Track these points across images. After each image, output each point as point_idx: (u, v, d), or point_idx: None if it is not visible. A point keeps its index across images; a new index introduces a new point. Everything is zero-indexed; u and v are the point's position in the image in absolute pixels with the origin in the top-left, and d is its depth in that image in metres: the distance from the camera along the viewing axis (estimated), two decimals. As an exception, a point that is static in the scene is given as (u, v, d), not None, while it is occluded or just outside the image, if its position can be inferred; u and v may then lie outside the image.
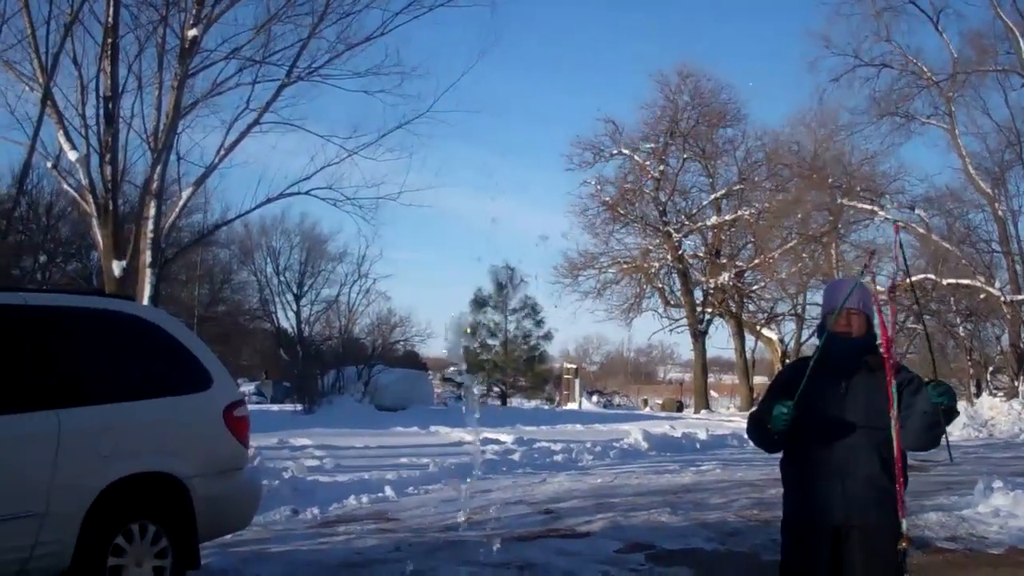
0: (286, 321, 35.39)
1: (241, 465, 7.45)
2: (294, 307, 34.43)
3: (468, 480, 14.71)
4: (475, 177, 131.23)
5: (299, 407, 30.01)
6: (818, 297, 45.78)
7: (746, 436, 4.29)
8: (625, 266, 44.81)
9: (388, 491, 13.10)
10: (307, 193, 20.95)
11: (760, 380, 57.52)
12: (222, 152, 19.61)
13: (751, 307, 46.15)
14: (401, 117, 23.39)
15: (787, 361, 44.61)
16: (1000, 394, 38.71)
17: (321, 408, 29.48)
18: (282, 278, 35.12)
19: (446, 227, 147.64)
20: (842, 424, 3.94)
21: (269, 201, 20.74)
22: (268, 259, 36.44)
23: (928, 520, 11.38)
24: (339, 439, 19.22)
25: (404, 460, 16.32)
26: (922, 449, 4.10)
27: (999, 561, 9.42)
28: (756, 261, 42.71)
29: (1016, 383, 38.62)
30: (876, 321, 4.12)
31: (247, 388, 44.13)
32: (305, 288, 35.18)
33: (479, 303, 54.37)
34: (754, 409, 4.27)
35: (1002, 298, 37.05)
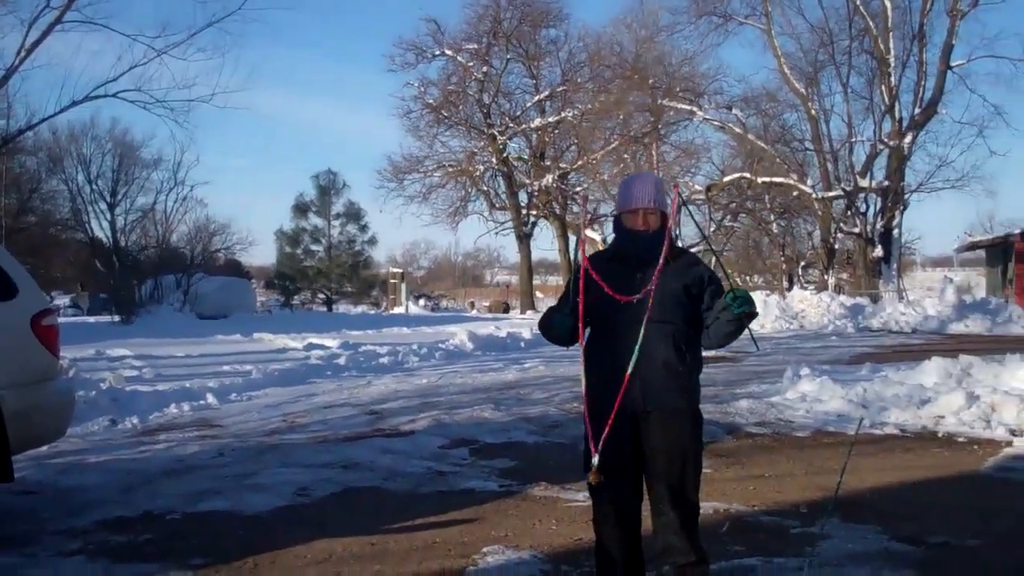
0: (100, 231, 33.99)
1: (53, 375, 7.14)
2: (108, 216, 33.01)
3: (292, 385, 14.59)
4: (293, 79, 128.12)
5: (116, 318, 29.07)
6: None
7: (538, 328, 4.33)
8: (450, 169, 44.67)
9: (210, 399, 12.88)
10: (115, 95, 20.06)
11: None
12: (22, 53, 18.50)
13: (575, 208, 46.81)
14: (212, 15, 22.45)
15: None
16: (811, 287, 40.64)
17: (140, 319, 28.67)
18: (94, 186, 33.56)
19: (265, 131, 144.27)
20: (639, 314, 3.97)
21: (75, 104, 19.78)
22: (79, 167, 34.72)
23: (739, 407, 11.90)
24: (159, 349, 18.77)
25: (227, 368, 16.06)
26: (721, 348, 4.25)
27: (804, 443, 9.93)
28: (579, 163, 43.19)
29: (826, 277, 40.60)
30: (671, 212, 4.16)
31: (62, 301, 42.51)
32: (119, 196, 33.70)
33: (301, 209, 53.57)
34: (551, 306, 4.30)
35: (814, 195, 38.63)
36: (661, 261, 4.02)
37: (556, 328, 4.14)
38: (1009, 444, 9.64)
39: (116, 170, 34.87)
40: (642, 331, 3.96)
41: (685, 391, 4.08)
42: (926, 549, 6.01)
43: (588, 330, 4.16)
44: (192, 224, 36.81)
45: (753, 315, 4.02)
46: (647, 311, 3.97)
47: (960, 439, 10.02)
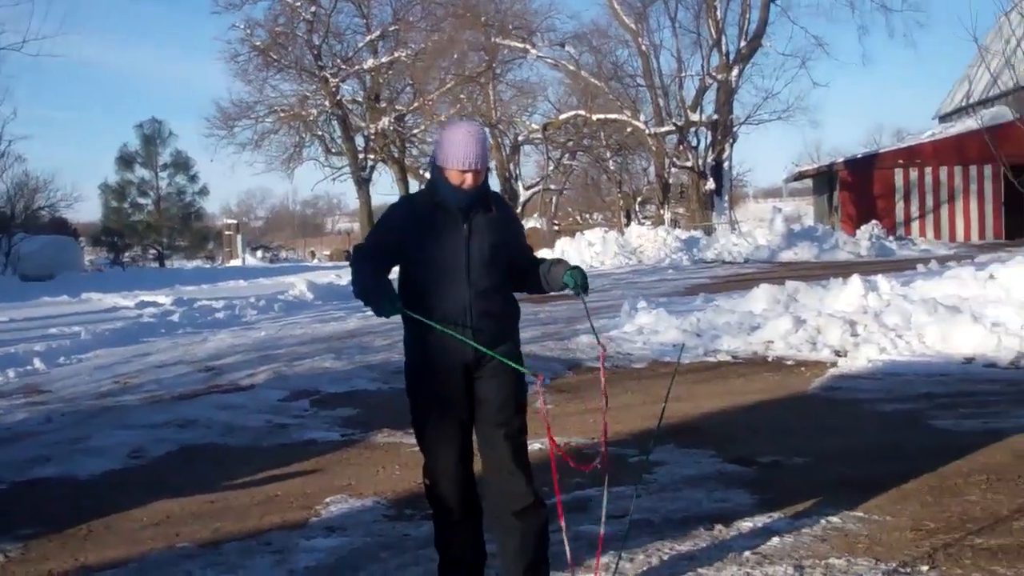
0: (-89, 191, 32.04)
1: None
2: (-81, 175, 31.19)
3: (124, 345, 14.13)
4: (112, 23, 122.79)
5: (-68, 284, 27.56)
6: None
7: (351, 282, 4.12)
8: (282, 114, 43.54)
9: (37, 363, 12.35)
10: (-87, 45, 18.72)
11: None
12: None
13: (414, 151, 46.41)
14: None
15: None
16: (648, 223, 41.48)
17: (-42, 283, 27.28)
18: (-100, 145, 31.58)
19: (85, 80, 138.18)
20: (466, 266, 3.94)
21: None
22: None
23: (579, 343, 12.10)
24: (-21, 314, 17.89)
25: (54, 331, 15.44)
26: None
27: (641, 374, 10.19)
28: (415, 104, 42.73)
29: (662, 211, 41.47)
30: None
31: None
32: (-70, 154, 31.84)
33: (126, 161, 51.63)
34: (359, 253, 4.11)
35: (647, 131, 39.25)
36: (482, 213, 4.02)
37: (388, 312, 3.92)
38: (834, 365, 10.08)
39: (-78, 127, 32.92)
40: (472, 280, 3.94)
41: (511, 334, 4.10)
42: (757, 469, 6.25)
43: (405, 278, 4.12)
44: (11, 181, 35.20)
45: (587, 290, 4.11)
46: (476, 257, 3.95)
47: (788, 362, 10.44)
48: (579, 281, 4.02)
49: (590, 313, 4.38)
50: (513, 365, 3.99)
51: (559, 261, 4.22)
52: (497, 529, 4.08)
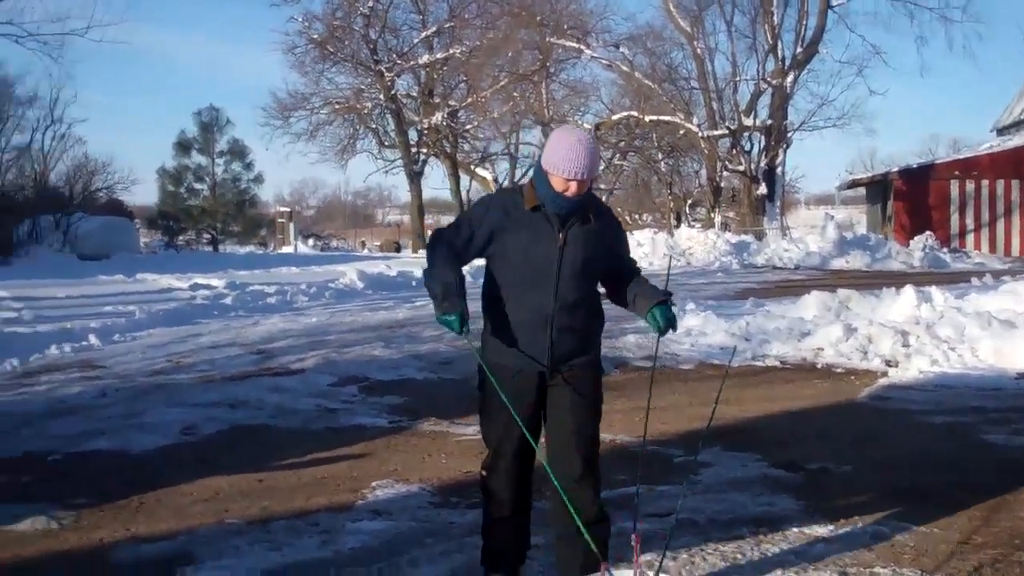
0: (-26, 171, 32.60)
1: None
2: (-18, 156, 31.68)
3: (177, 325, 14.32)
4: (172, 12, 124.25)
5: (-8, 260, 28.01)
6: (530, 137, 46.89)
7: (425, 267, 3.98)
8: (337, 107, 43.83)
9: (93, 339, 12.56)
10: (-17, 28, 19.05)
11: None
12: None
13: (466, 147, 46.51)
14: (86, -57, 21.47)
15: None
16: (698, 225, 41.30)
17: (17, 259, 27.70)
18: (-34, 126, 32.11)
19: (145, 66, 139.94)
20: (556, 277, 3.86)
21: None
22: (-51, 106, 33.16)
23: (627, 342, 12.08)
24: (38, 290, 18.18)
25: (109, 308, 15.65)
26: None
27: (688, 376, 10.16)
28: (469, 100, 42.81)
29: (712, 215, 41.21)
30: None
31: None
32: (-7, 135, 32.32)
33: (184, 147, 52.17)
34: (439, 239, 3.99)
35: (700, 134, 39.04)
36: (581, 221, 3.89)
37: (449, 325, 3.81)
38: (884, 374, 10.00)
39: (-11, 108, 33.42)
40: (561, 291, 3.87)
41: (592, 346, 4.05)
42: (804, 475, 6.22)
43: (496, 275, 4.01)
44: (71, 163, 35.64)
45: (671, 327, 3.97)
46: (568, 269, 3.87)
47: (838, 370, 10.36)
48: (662, 325, 3.90)
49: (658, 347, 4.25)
50: None
51: (650, 288, 4.04)
52: (559, 536, 4.05)
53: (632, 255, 4.22)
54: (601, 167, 45.88)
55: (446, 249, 3.94)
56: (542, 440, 4.05)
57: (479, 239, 3.94)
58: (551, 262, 3.85)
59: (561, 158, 3.78)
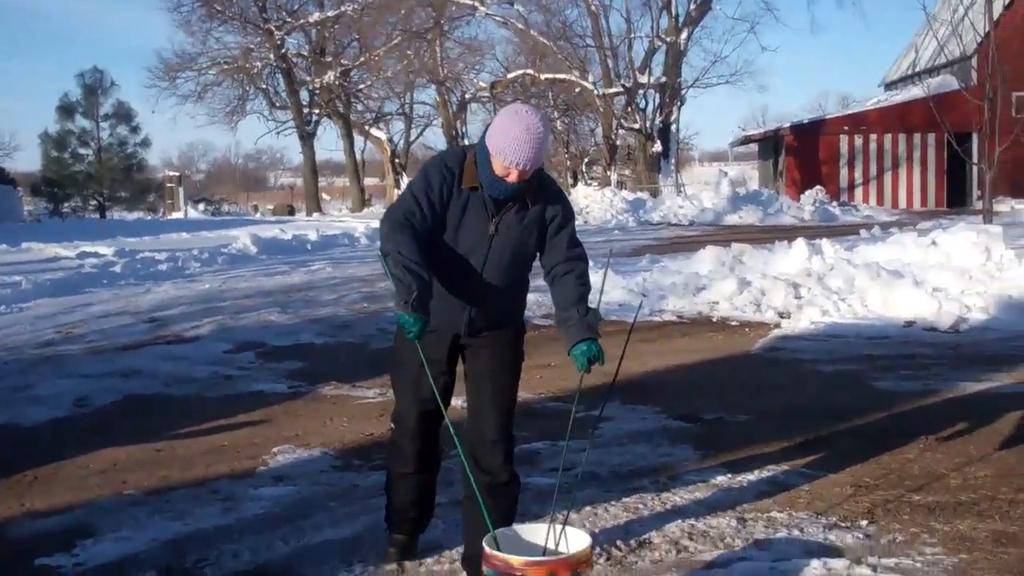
0: None
1: None
2: None
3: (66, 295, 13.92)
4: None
5: None
6: (424, 96, 46.51)
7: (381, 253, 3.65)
8: (226, 67, 42.88)
9: (-25, 313, 12.15)
10: None
11: (371, 181, 58.11)
12: None
13: (359, 107, 46.00)
14: None
15: (396, 161, 45.26)
16: (594, 184, 41.55)
17: None
18: None
19: (24, 26, 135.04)
20: (482, 263, 3.76)
21: None
22: None
23: (528, 301, 12.09)
24: (-86, 262, 17.51)
25: (-8, 279, 15.13)
26: None
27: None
28: (362, 60, 42.29)
29: (609, 173, 41.50)
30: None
31: None
32: None
33: (67, 110, 50.49)
34: (396, 224, 3.64)
35: (595, 92, 39.18)
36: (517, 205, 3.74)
37: (407, 325, 3.49)
38: (777, 326, 10.23)
39: None
40: (487, 272, 3.77)
41: (515, 315, 4.04)
42: (701, 425, 6.35)
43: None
44: (-54, 129, 34.40)
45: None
46: (498, 252, 3.76)
47: (733, 323, 10.57)
48: (583, 365, 3.66)
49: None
50: None
51: (579, 319, 3.73)
52: (466, 497, 3.93)
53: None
54: (490, 85, 45.23)
55: (411, 236, 3.62)
56: (455, 403, 4.01)
57: (435, 208, 3.71)
58: (480, 247, 3.73)
59: (506, 144, 3.59)
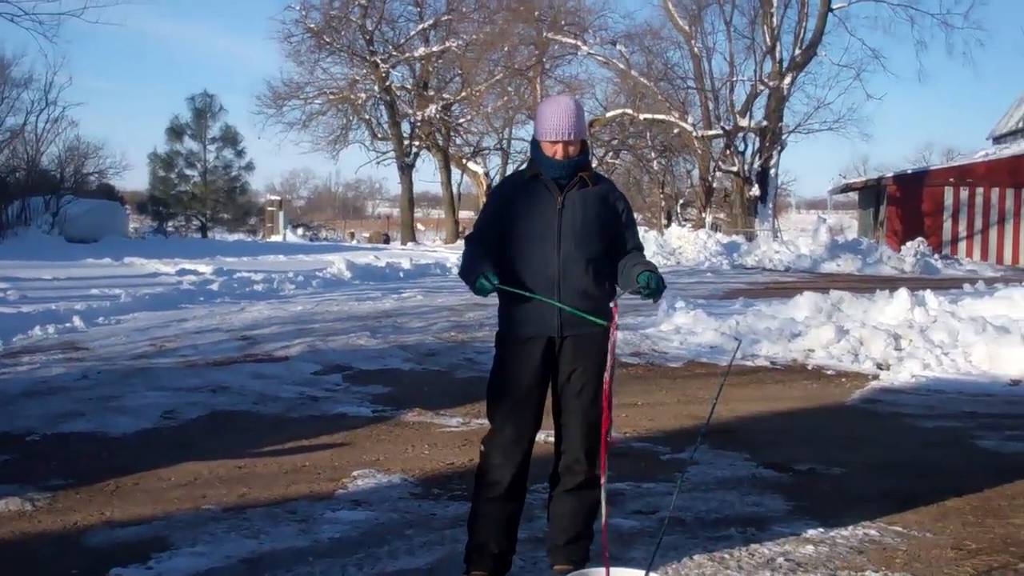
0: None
1: None
2: (-28, 137, 31.37)
3: (163, 310, 14.17)
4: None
5: (-20, 240, 27.78)
6: (523, 132, 46.77)
7: (458, 269, 4.26)
8: (331, 97, 43.62)
9: (77, 321, 12.44)
10: (-24, 6, 18.77)
11: (466, 214, 58.45)
12: None
13: (458, 141, 46.34)
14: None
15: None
16: (688, 225, 41.18)
17: (6, 240, 27.51)
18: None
19: (141, 50, 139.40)
20: (557, 238, 3.97)
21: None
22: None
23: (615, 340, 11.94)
24: (25, 271, 18.06)
25: (95, 291, 15.50)
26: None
27: (676, 374, 10.05)
28: (463, 94, 42.66)
29: (703, 215, 41.12)
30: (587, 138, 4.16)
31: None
32: (-15, 116, 32.00)
33: (176, 132, 51.88)
34: (469, 240, 4.15)
35: (694, 133, 38.93)
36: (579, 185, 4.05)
37: (482, 291, 3.92)
38: (875, 377, 9.90)
39: (-17, 89, 33.15)
40: (562, 254, 3.97)
41: (602, 312, 4.04)
42: (793, 475, 6.12)
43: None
44: (63, 146, 35.44)
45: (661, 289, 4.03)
46: (567, 231, 3.98)
47: (829, 372, 10.26)
48: (653, 284, 3.96)
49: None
50: (596, 320, 3.95)
51: (643, 261, 4.10)
52: (553, 499, 4.18)
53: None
54: (594, 164, 45.60)
55: (476, 245, 4.08)
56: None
57: (496, 223, 4.08)
58: (550, 224, 3.98)
59: (547, 123, 4.01)
